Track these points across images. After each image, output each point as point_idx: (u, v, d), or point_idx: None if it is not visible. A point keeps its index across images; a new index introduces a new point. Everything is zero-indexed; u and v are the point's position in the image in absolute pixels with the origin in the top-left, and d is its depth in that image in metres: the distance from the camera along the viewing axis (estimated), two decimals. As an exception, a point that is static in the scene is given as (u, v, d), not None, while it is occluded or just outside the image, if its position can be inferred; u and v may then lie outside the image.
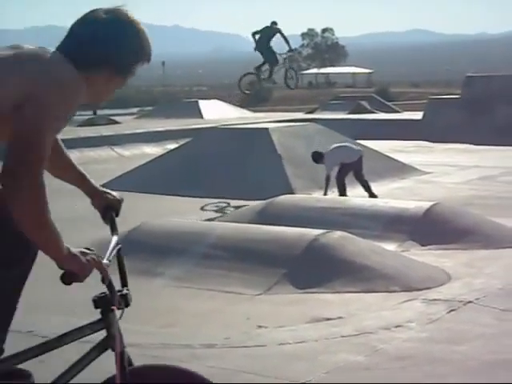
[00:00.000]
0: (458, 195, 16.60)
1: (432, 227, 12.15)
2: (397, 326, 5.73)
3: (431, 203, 13.02)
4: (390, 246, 11.56)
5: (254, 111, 48.69)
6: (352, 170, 16.22)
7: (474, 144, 28.74)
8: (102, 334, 3.52)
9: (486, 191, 17.45)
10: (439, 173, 20.31)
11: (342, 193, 15.92)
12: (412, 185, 18.57)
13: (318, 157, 16.36)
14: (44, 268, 3.99)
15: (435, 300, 6.41)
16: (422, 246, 11.77)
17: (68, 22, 3.88)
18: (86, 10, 3.74)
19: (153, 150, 27.13)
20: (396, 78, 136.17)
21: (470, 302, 6.28)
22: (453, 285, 7.69)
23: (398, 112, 46.40)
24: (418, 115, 35.73)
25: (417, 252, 11.39)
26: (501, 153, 26.17)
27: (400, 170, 19.98)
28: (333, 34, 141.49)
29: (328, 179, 15.97)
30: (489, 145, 28.23)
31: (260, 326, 7.12)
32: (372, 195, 15.88)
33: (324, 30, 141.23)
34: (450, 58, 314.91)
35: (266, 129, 19.87)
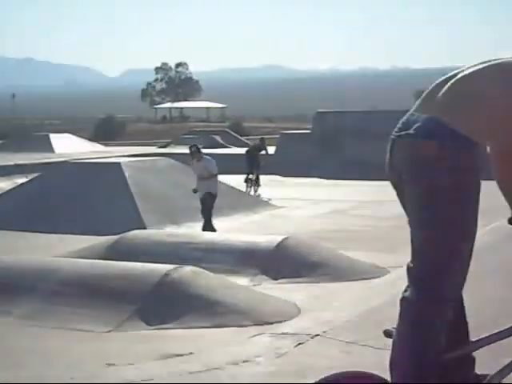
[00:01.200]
0: (310, 229, 16.87)
1: (283, 261, 12.27)
2: (245, 361, 5.72)
3: (282, 237, 13.17)
4: (242, 281, 11.60)
5: (107, 145, 48.27)
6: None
7: (325, 178, 29.40)
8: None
9: (336, 224, 17.83)
10: (291, 207, 20.63)
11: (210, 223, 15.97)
12: (265, 219, 18.76)
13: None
14: None
15: (283, 334, 6.44)
16: (274, 279, 11.87)
17: None
18: None
19: (2, 184, 26.39)
20: (250, 112, 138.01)
21: (317, 335, 6.34)
22: (302, 318, 7.77)
23: (250, 146, 46.87)
24: (270, 150, 36.27)
25: (268, 286, 11.47)
26: (350, 187, 26.88)
27: (253, 204, 20.19)
28: (187, 69, 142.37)
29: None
30: (339, 179, 28.98)
31: (109, 364, 6.95)
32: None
33: (178, 65, 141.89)
34: (302, 93, 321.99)
35: (118, 163, 19.69)
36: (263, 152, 28.77)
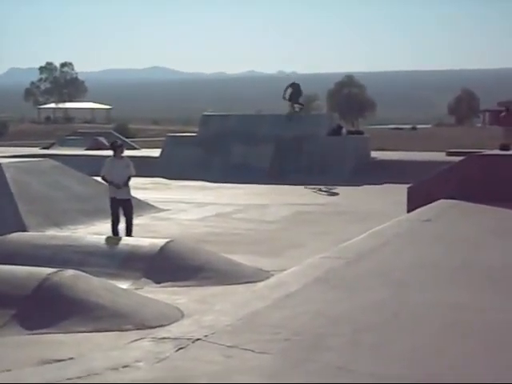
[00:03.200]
0: (194, 232, 16.87)
1: (167, 264, 12.25)
2: (124, 366, 5.66)
3: (166, 240, 13.15)
4: (125, 284, 11.52)
5: (-13, 146, 47.06)
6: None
7: (210, 181, 29.45)
8: None
9: (220, 228, 17.88)
10: (176, 210, 20.56)
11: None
12: (148, 222, 18.64)
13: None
14: None
15: (164, 338, 6.39)
16: (157, 283, 11.83)
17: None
18: None
19: None
20: (136, 114, 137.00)
21: (198, 339, 6.32)
22: (183, 322, 7.74)
23: (136, 149, 46.59)
24: (156, 152, 36.10)
25: (151, 289, 11.42)
26: (235, 190, 27.01)
27: (137, 206, 19.94)
28: (72, 69, 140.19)
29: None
30: (224, 182, 29.09)
31: (-16, 371, 6.76)
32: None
33: (63, 65, 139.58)
34: (189, 96, 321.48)
35: (-1, 164, 19.21)
36: None
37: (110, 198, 15.70)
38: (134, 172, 15.92)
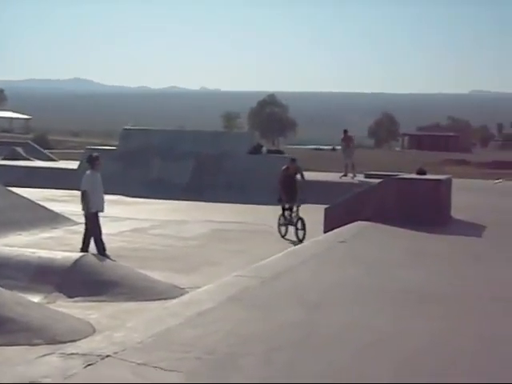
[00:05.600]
0: (110, 246, 16.61)
1: (80, 278, 12.04)
2: (31, 382, 5.53)
3: (80, 254, 12.95)
4: (36, 298, 11.28)
5: None
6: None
7: (128, 196, 29.18)
8: None
9: (137, 243, 17.71)
10: (92, 223, 20.25)
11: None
12: (63, 235, 18.34)
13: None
14: None
15: (73, 354, 6.26)
16: (69, 297, 11.62)
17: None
18: None
19: None
20: (56, 125, 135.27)
21: (108, 355, 6.21)
22: (94, 338, 7.61)
23: (54, 160, 45.99)
24: (74, 164, 35.62)
25: (63, 304, 11.22)
26: (153, 205, 26.83)
27: (51, 219, 19.68)
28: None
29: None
30: (142, 197, 28.86)
31: None
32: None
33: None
34: (111, 109, 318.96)
35: None
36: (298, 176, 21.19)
37: (92, 213, 15.37)
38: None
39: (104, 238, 15.39)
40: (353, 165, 33.74)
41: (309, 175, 33.38)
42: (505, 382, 6.15)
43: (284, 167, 21.09)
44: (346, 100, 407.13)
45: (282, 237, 20.01)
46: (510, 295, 9.79)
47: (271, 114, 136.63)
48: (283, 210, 20.52)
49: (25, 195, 21.20)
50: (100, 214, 15.82)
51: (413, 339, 7.29)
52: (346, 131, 34.30)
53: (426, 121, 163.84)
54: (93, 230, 15.23)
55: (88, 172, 15.78)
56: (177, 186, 31.55)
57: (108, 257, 14.30)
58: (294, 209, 20.26)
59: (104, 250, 15.05)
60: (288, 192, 20.48)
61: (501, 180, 35.11)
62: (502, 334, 7.68)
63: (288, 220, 20.24)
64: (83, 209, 15.46)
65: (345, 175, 33.36)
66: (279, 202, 20.73)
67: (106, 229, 19.39)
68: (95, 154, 16.36)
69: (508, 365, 6.62)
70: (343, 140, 34.23)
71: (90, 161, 15.84)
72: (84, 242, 15.27)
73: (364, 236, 15.15)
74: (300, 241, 18.69)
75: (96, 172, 15.65)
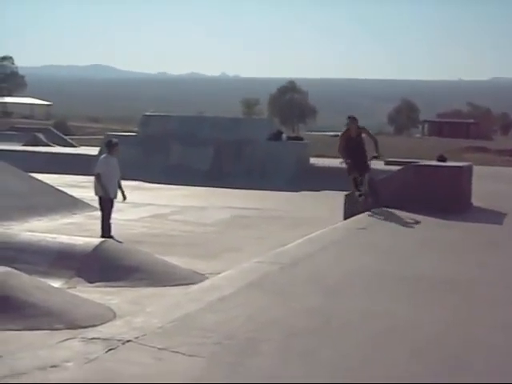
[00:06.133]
0: (130, 232, 16.71)
1: (100, 264, 12.10)
2: (53, 366, 5.57)
3: (100, 240, 13.01)
4: (57, 283, 11.34)
5: None
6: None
7: (149, 182, 29.24)
8: None
9: (157, 229, 17.76)
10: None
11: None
12: (83, 220, 18.42)
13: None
14: None
15: (94, 339, 6.31)
16: (90, 282, 11.68)
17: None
18: None
19: None
20: (76, 111, 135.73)
21: (129, 340, 6.26)
22: (115, 323, 7.66)
23: (74, 146, 46.17)
24: (94, 150, 35.71)
25: (84, 289, 11.28)
26: (173, 191, 26.88)
27: (72, 205, 19.75)
28: (12, 63, 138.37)
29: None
30: (162, 183, 28.92)
31: None
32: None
33: (3, 59, 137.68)
34: (130, 95, 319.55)
35: None
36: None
37: (104, 197, 15.59)
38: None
39: (123, 223, 15.47)
40: None
41: (329, 162, 33.46)
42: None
43: (343, 131, 18.02)
44: (365, 86, 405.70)
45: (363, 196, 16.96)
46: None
47: (291, 101, 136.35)
48: (355, 183, 17.31)
49: (46, 181, 21.30)
50: (122, 200, 15.91)
51: (428, 327, 7.30)
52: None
53: (447, 108, 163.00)
54: (107, 213, 15.40)
55: (103, 156, 15.91)
56: (196, 172, 31.60)
57: (117, 241, 14.40)
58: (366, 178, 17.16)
59: (109, 234, 15.14)
60: (356, 160, 17.26)
61: None
62: (522, 322, 7.68)
63: (364, 192, 17.05)
64: (96, 193, 15.62)
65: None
66: (349, 174, 17.50)
67: (126, 215, 19.51)
68: (115, 139, 16.42)
69: (528, 352, 6.62)
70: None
71: (108, 145, 15.97)
72: (103, 228, 15.36)
73: (383, 223, 15.14)
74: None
75: (112, 157, 15.73)
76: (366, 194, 16.99)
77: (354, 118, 17.72)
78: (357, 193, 17.11)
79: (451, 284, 9.39)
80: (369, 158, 17.34)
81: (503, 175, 31.22)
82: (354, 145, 17.31)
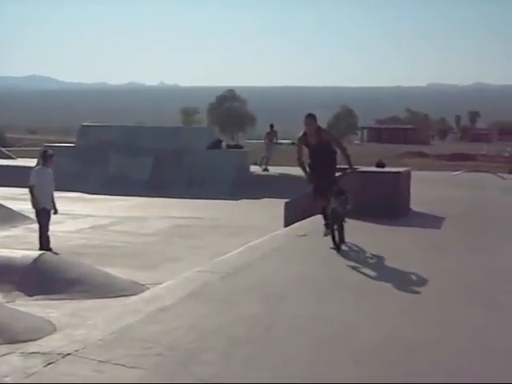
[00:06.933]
0: (69, 244, 16.57)
1: (40, 277, 11.96)
2: (-9, 383, 5.50)
3: (39, 252, 12.86)
4: (-5, 297, 11.18)
5: None
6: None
7: (88, 193, 28.96)
8: None
9: (96, 240, 17.61)
10: (51, 221, 20.01)
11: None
12: (22, 233, 18.19)
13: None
14: None
15: (33, 353, 6.22)
16: (29, 296, 11.53)
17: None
18: None
19: None
20: (13, 123, 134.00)
21: (69, 354, 6.19)
22: (55, 336, 7.57)
23: (12, 158, 45.48)
24: (32, 162, 35.19)
25: (23, 302, 11.13)
26: (112, 202, 26.67)
27: (10, 218, 19.48)
28: None
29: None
30: (102, 194, 28.65)
31: None
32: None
33: None
34: (68, 105, 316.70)
35: None
36: None
37: (40, 209, 15.29)
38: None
39: (62, 235, 15.29)
40: (268, 158, 34.53)
41: (270, 169, 33.57)
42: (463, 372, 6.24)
43: (298, 137, 12.71)
44: (304, 94, 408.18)
45: (333, 241, 12.33)
46: (467, 284, 9.91)
47: (230, 109, 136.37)
48: (324, 213, 12.80)
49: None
50: (60, 211, 15.73)
51: (373, 331, 7.36)
52: (272, 126, 36.68)
53: (385, 114, 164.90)
54: (45, 224, 15.22)
55: (37, 167, 15.74)
56: (136, 183, 31.41)
57: (55, 253, 14.22)
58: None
59: (48, 246, 14.97)
60: (321, 183, 12.52)
61: (459, 172, 35.46)
62: (462, 324, 7.78)
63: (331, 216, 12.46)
64: (33, 206, 15.45)
65: (266, 169, 33.85)
66: (314, 200, 13.21)
67: (66, 226, 19.31)
68: (50, 151, 16.22)
69: (465, 354, 6.72)
70: (268, 134, 36.49)
71: (43, 157, 15.77)
72: (41, 241, 15.18)
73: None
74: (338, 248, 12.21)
75: (47, 168, 15.55)
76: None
77: (310, 114, 12.53)
78: (324, 230, 12.71)
79: (395, 289, 9.48)
80: (341, 178, 13.18)
81: (441, 179, 31.61)
82: (317, 157, 12.49)
